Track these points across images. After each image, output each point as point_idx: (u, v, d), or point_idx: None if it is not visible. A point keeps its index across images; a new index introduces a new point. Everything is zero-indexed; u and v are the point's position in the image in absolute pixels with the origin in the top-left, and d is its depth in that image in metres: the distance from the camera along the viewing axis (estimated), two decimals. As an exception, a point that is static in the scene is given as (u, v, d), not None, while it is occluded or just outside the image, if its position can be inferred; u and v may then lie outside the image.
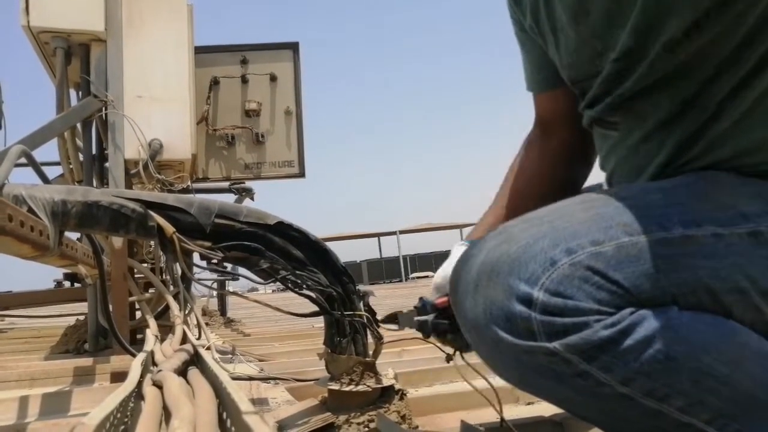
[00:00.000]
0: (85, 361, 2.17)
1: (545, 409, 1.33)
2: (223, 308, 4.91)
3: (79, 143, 2.81)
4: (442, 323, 0.87)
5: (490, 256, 0.61)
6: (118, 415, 0.92)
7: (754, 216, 0.61)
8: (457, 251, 0.86)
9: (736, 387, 0.56)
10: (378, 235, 27.49)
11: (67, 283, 3.67)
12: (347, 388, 1.12)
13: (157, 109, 2.64)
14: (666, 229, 0.59)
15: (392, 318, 1.02)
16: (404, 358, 2.11)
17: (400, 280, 22.52)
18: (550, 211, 0.64)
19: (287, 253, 1.12)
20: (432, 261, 22.80)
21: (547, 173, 1.01)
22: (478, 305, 0.61)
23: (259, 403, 1.41)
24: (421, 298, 0.93)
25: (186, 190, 2.82)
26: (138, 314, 2.72)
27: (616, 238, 0.58)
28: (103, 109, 2.51)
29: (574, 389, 0.58)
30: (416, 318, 0.91)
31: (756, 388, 0.57)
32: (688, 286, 0.57)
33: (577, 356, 0.56)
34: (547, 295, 0.56)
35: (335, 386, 1.13)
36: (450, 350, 0.94)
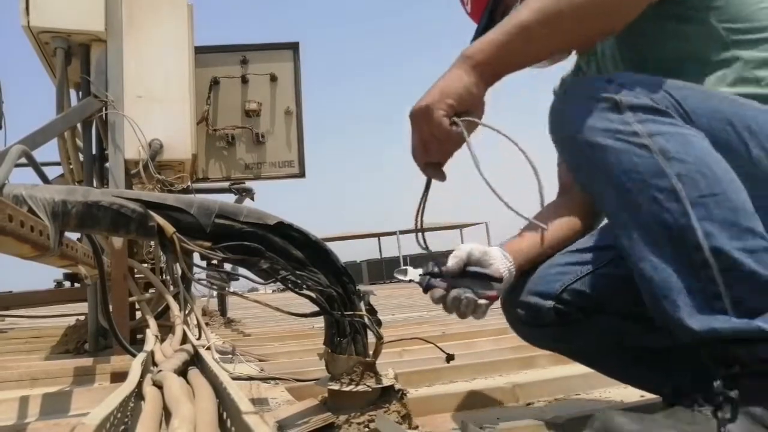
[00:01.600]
0: (85, 361, 2.17)
1: (546, 411, 1.33)
2: (223, 308, 4.91)
3: (79, 143, 2.81)
4: (441, 285, 1.01)
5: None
6: (119, 415, 0.92)
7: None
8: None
9: (726, 192, 0.77)
10: (378, 235, 27.48)
11: (67, 283, 3.67)
12: (347, 388, 1.12)
13: (157, 109, 2.64)
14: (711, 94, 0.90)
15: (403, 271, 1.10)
16: (404, 358, 2.11)
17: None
18: None
19: (287, 254, 1.12)
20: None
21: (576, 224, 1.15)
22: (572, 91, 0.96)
23: (259, 403, 1.41)
24: (437, 262, 1.04)
25: (186, 191, 2.81)
26: (138, 314, 2.72)
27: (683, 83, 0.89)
28: (103, 109, 2.51)
29: (615, 136, 0.83)
30: (421, 273, 1.04)
31: (733, 197, 0.77)
32: (718, 119, 0.84)
33: (629, 110, 0.84)
34: (624, 82, 0.86)
35: (335, 386, 1.13)
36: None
